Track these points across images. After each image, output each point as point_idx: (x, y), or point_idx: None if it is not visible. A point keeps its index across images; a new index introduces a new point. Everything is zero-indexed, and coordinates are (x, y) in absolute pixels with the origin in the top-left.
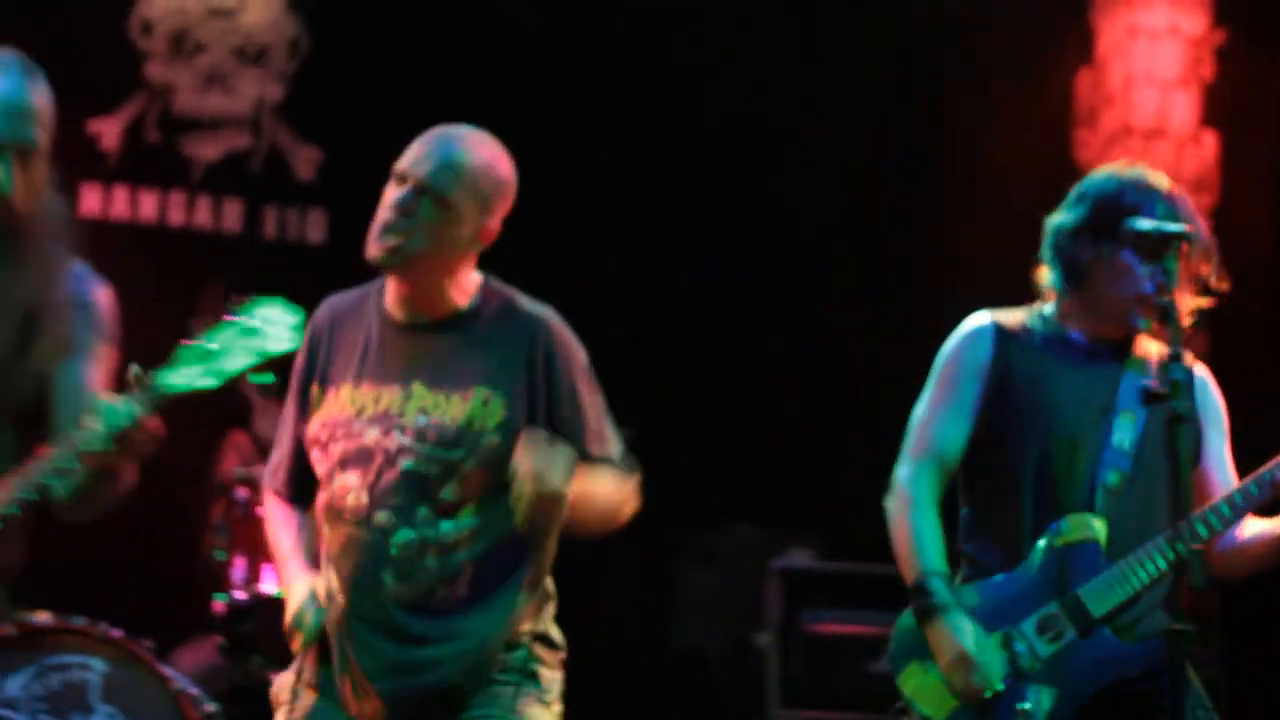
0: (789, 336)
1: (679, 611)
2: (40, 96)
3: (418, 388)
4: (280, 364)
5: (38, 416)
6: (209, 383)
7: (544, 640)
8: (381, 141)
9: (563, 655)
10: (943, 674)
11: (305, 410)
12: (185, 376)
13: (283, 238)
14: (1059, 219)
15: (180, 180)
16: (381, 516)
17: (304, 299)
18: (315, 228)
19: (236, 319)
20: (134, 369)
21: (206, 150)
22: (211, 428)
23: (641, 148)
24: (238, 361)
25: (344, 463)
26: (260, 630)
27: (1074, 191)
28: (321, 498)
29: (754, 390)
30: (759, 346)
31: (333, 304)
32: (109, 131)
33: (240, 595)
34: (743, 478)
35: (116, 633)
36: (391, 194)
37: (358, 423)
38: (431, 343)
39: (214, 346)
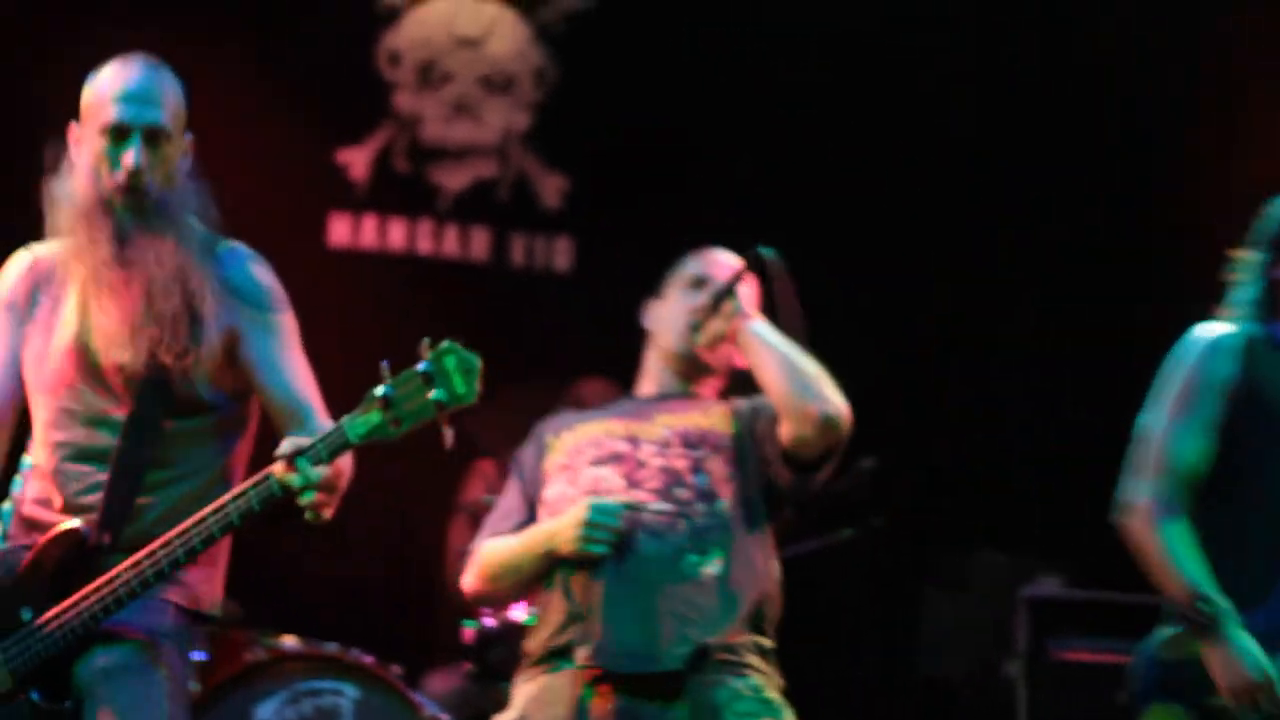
0: (1036, 361)
1: (925, 640)
2: (167, 86)
3: (660, 416)
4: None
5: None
6: (391, 433)
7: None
8: (627, 170)
9: None
10: (1225, 691)
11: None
12: (368, 425)
13: (529, 266)
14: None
15: (428, 209)
16: (640, 493)
17: (550, 326)
18: (562, 255)
19: (420, 367)
20: (383, 367)
21: (454, 179)
22: (459, 455)
23: (886, 181)
24: (421, 413)
25: (594, 463)
26: (509, 656)
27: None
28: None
29: (1001, 416)
30: (1005, 372)
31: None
32: (358, 162)
33: (489, 622)
34: (990, 505)
35: (367, 659)
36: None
37: (607, 440)
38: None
39: (397, 395)
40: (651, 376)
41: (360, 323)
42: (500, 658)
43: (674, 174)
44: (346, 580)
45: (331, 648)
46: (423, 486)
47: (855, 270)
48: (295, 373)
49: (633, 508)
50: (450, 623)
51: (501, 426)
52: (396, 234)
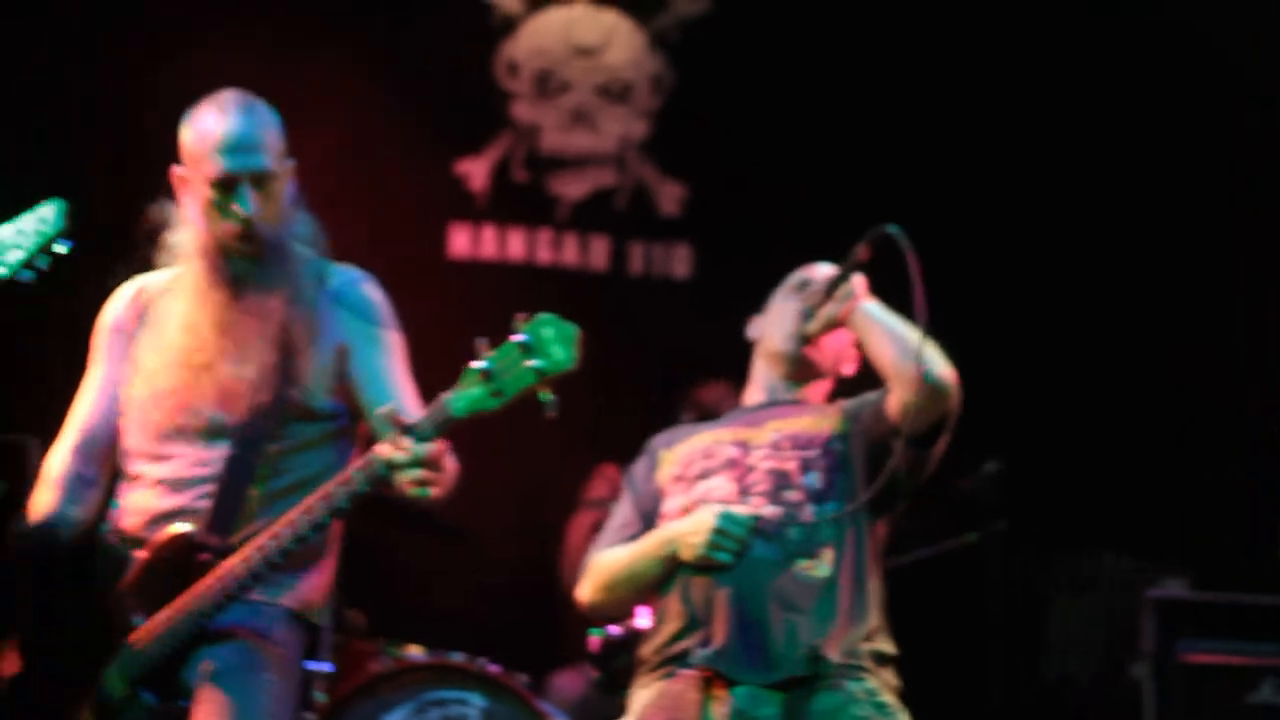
0: (1162, 363)
1: (1051, 642)
2: (265, 124)
3: (770, 422)
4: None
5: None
6: (493, 404)
7: None
8: (744, 176)
9: None
10: None
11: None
12: (469, 399)
13: (648, 273)
14: None
15: (547, 219)
16: (753, 500)
17: (670, 333)
18: (680, 262)
19: (517, 338)
20: (480, 342)
21: (572, 188)
22: (583, 459)
23: (1009, 181)
24: (520, 382)
25: (706, 474)
26: (635, 664)
27: None
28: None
29: (1126, 418)
30: (1131, 374)
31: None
32: (477, 172)
33: (614, 630)
34: (1115, 507)
35: (494, 668)
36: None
37: (717, 448)
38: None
39: (496, 367)
40: (759, 384)
41: (480, 333)
42: (625, 666)
43: (791, 179)
44: (472, 589)
45: (458, 657)
46: (548, 495)
47: (980, 272)
48: (399, 389)
49: (761, 517)
50: (576, 630)
51: (624, 431)
52: (516, 244)
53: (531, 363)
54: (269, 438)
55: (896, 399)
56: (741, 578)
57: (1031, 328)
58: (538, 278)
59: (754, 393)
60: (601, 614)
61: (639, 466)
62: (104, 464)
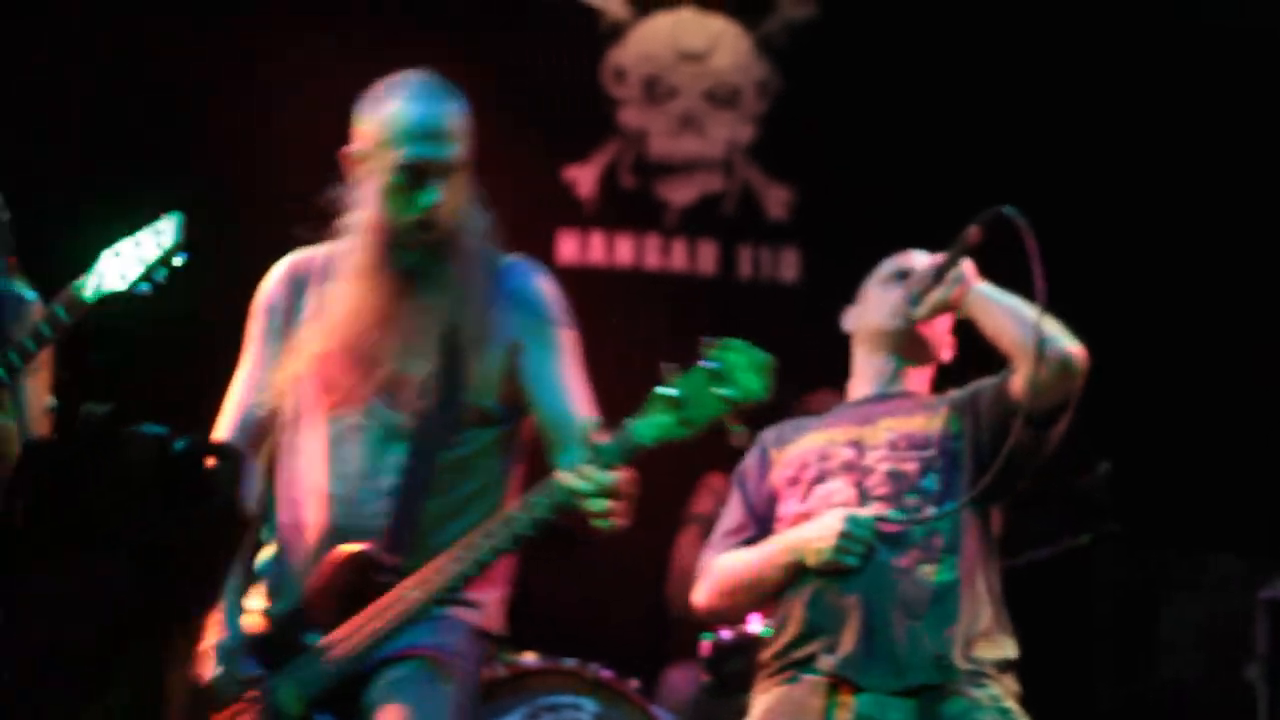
0: (1276, 363)
1: (1163, 643)
2: (456, 113)
3: (882, 420)
4: (751, 411)
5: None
6: (681, 433)
7: None
8: (851, 180)
9: None
10: None
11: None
12: (657, 427)
13: (756, 278)
14: None
15: (655, 224)
16: (874, 503)
17: (779, 338)
18: (788, 267)
19: (707, 364)
20: (667, 368)
21: (680, 194)
22: (691, 468)
23: (1118, 183)
24: (710, 410)
25: (823, 477)
26: (747, 669)
27: None
28: (795, 516)
29: (1238, 418)
30: (1244, 374)
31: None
32: (585, 178)
33: (726, 634)
34: (1228, 508)
35: (606, 673)
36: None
37: (832, 449)
38: (892, 401)
39: (685, 394)
40: (864, 375)
41: (590, 338)
42: (737, 670)
43: (899, 182)
44: (583, 595)
45: (570, 663)
46: (654, 500)
47: (1090, 274)
48: (571, 388)
49: (882, 519)
50: (686, 635)
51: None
52: (624, 249)
53: (722, 391)
54: (444, 445)
55: (1021, 377)
56: (867, 583)
57: (1144, 327)
58: (646, 283)
59: (859, 385)
60: (719, 619)
61: (750, 465)
62: (260, 447)
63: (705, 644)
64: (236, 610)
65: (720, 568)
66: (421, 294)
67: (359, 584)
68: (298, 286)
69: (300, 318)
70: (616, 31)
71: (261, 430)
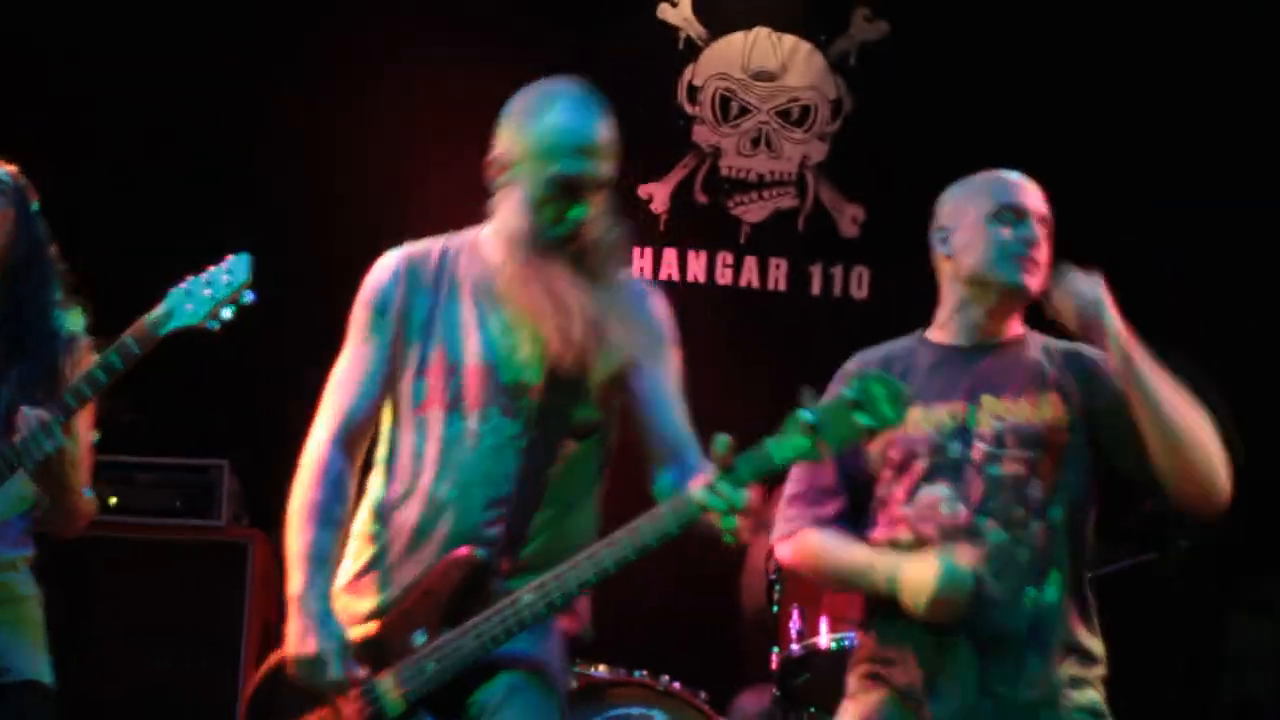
0: None
1: (1231, 661)
2: (607, 130)
3: (986, 399)
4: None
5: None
6: (815, 456)
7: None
8: (924, 197)
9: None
10: None
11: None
12: (794, 448)
13: (828, 295)
14: None
15: (728, 241)
16: (980, 521)
17: (849, 355)
18: (859, 284)
19: (847, 393)
20: (806, 391)
21: (753, 211)
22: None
23: (1189, 192)
24: (847, 436)
25: (929, 475)
26: (815, 683)
27: None
28: (897, 513)
29: None
30: None
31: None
32: (659, 195)
33: (795, 648)
34: None
35: (676, 685)
36: (1008, 230)
37: (939, 438)
38: (989, 361)
39: (822, 420)
40: (957, 321)
41: None
42: (806, 684)
43: None
44: (653, 606)
45: (641, 674)
46: None
47: (1169, 289)
48: (680, 408)
49: (980, 579)
50: (757, 649)
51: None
52: (696, 266)
53: (860, 420)
54: (556, 455)
55: (1161, 482)
56: (971, 624)
57: (1213, 348)
58: (718, 299)
59: (945, 329)
60: (795, 576)
61: None
62: (361, 448)
63: (774, 657)
64: (331, 610)
65: (812, 544)
66: (557, 306)
67: (472, 589)
68: (412, 281)
69: (416, 316)
70: (692, 50)
71: (364, 432)
